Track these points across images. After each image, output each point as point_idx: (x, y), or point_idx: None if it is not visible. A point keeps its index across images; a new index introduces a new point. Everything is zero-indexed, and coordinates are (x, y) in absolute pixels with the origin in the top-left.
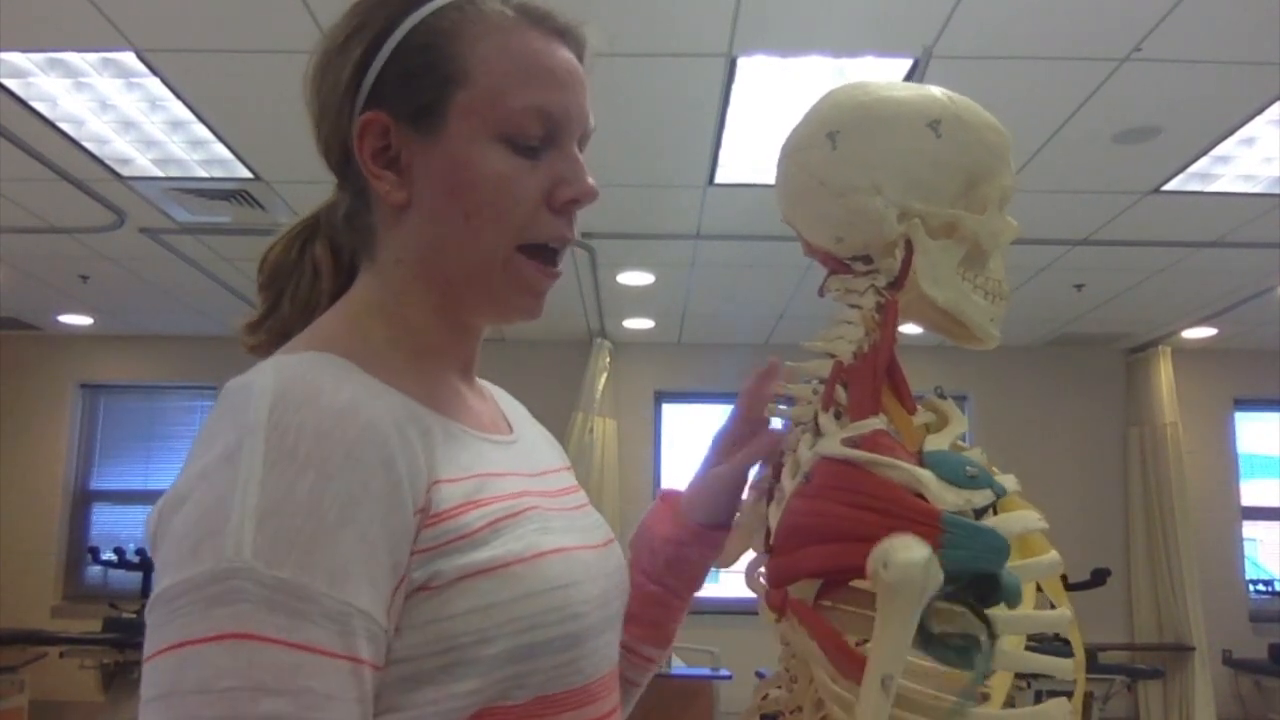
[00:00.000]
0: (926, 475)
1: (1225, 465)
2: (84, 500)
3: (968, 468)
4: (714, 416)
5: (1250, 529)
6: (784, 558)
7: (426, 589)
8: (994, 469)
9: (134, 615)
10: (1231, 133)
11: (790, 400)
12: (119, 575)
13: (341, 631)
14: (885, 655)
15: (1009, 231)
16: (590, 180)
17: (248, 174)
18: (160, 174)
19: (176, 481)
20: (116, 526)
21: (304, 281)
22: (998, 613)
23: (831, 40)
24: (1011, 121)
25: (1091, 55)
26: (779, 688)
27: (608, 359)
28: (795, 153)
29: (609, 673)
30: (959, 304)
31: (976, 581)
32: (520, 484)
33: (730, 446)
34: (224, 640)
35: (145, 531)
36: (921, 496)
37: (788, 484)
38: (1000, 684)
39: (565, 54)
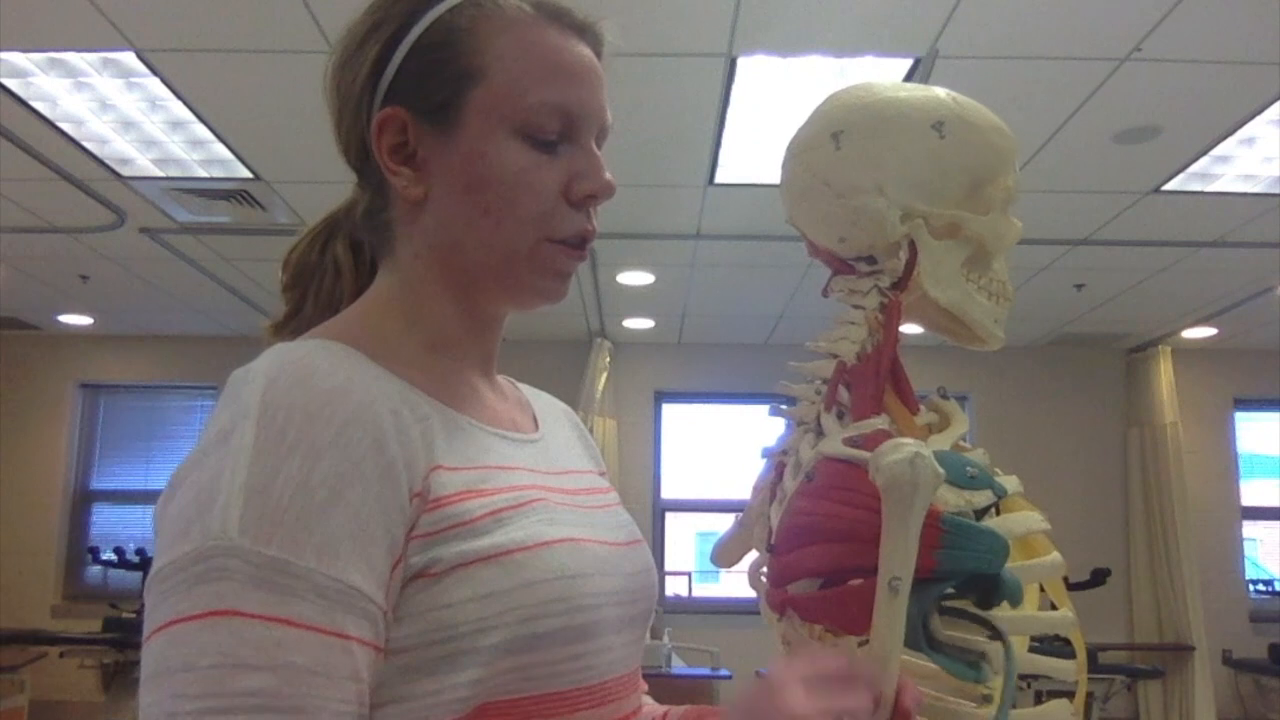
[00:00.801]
0: None
1: (1225, 465)
2: (84, 500)
3: (969, 468)
4: (714, 416)
5: (1250, 529)
6: (785, 557)
7: (425, 576)
8: (996, 470)
9: (134, 615)
10: (1231, 133)
11: (793, 400)
12: (119, 575)
13: (330, 607)
14: (889, 557)
15: (1013, 232)
16: (608, 175)
17: (248, 174)
18: (160, 174)
19: (177, 469)
20: (116, 526)
21: (326, 281)
22: (1000, 613)
23: (832, 40)
24: (1012, 121)
25: (1091, 55)
26: None
27: (608, 359)
28: (800, 153)
29: (628, 674)
30: (962, 305)
31: (977, 582)
32: (531, 479)
33: None
34: (207, 618)
35: (153, 519)
36: None
37: (789, 483)
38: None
39: (582, 50)
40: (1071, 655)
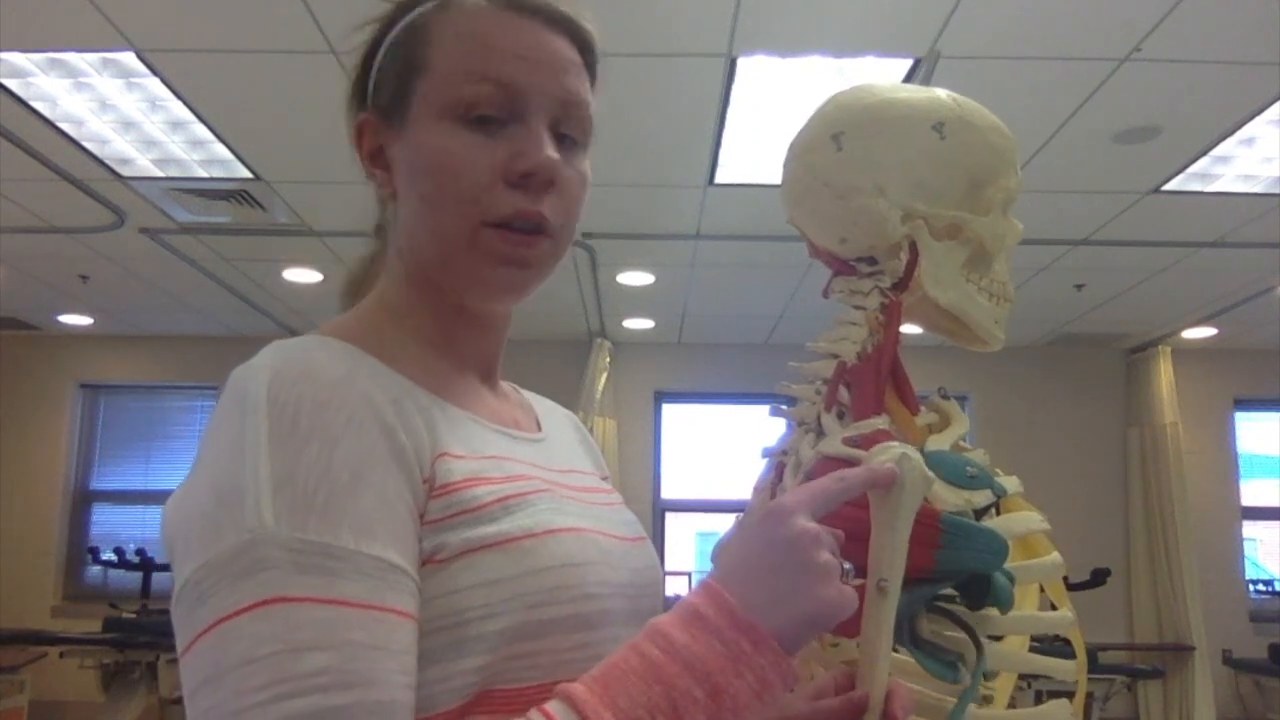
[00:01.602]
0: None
1: (1225, 465)
2: (84, 500)
3: (968, 468)
4: (714, 416)
5: (1250, 529)
6: None
7: (433, 562)
8: (996, 470)
9: (134, 615)
10: (1231, 133)
11: (793, 400)
12: (119, 575)
13: (376, 586)
14: (877, 558)
15: (1013, 233)
16: (549, 151)
17: (248, 174)
18: (160, 174)
19: (188, 474)
20: (116, 526)
21: (368, 285)
22: (993, 614)
23: (832, 40)
24: (1012, 121)
25: (1091, 55)
26: None
27: (607, 359)
28: (801, 154)
29: None
30: (963, 305)
31: (970, 583)
32: (535, 471)
33: None
34: (258, 608)
35: (161, 530)
36: None
37: (790, 483)
38: (1004, 686)
39: (538, 32)
40: (1071, 655)
